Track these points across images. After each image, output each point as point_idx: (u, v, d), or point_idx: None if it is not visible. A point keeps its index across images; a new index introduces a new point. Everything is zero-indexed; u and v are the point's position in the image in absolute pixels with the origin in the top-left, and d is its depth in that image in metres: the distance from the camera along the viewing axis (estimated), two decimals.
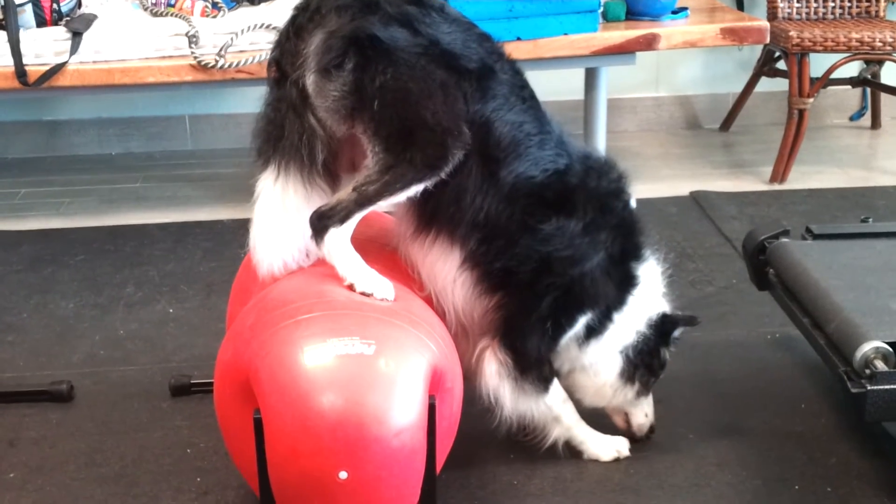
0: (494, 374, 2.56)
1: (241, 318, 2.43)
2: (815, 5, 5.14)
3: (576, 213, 2.52)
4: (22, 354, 3.34)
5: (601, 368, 2.66)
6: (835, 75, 4.90)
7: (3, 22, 4.03)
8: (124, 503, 2.58)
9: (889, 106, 5.68)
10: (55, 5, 4.15)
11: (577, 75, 4.72)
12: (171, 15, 4.26)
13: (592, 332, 2.61)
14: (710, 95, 5.69)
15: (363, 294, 2.37)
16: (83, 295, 3.76)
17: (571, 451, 2.70)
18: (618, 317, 2.61)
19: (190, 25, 4.11)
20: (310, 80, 2.38)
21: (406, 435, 2.18)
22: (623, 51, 4.22)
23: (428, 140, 2.36)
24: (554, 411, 2.64)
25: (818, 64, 4.86)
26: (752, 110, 5.59)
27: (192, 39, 4.06)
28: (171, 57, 4.11)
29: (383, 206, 2.43)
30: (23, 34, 4.02)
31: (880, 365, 2.42)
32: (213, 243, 4.18)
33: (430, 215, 2.49)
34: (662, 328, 2.67)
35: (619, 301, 2.61)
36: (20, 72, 3.97)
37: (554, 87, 4.96)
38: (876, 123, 5.65)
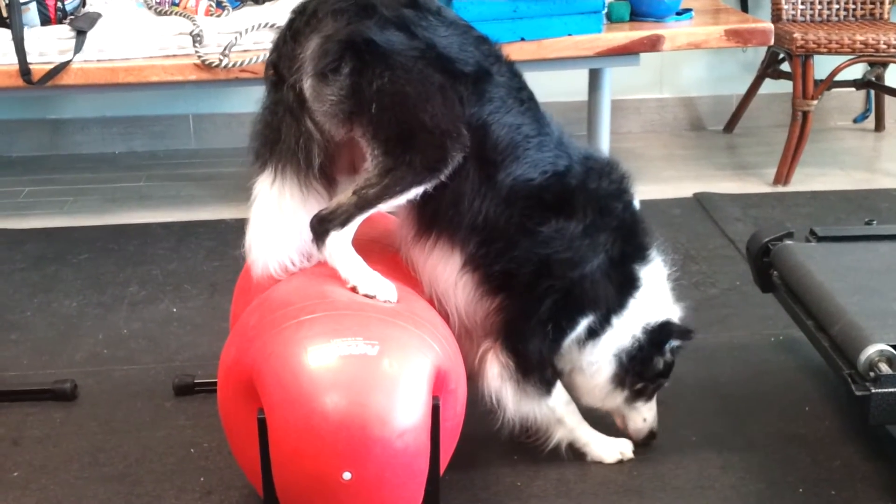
0: (497, 376, 2.56)
1: (244, 317, 2.43)
2: (819, 7, 5.13)
3: (575, 215, 2.51)
4: (25, 353, 3.34)
5: (595, 370, 2.64)
6: (839, 77, 4.89)
7: (8, 20, 4.03)
8: (128, 502, 2.58)
9: (893, 108, 5.68)
10: (59, 4, 4.16)
11: (580, 76, 4.72)
12: (176, 14, 4.26)
13: (592, 334, 2.60)
14: (713, 97, 5.69)
15: (366, 296, 2.37)
16: (87, 294, 3.76)
17: (575, 453, 2.70)
18: (616, 320, 2.60)
19: (194, 24, 4.11)
20: (307, 85, 2.39)
21: (409, 436, 2.18)
22: (627, 52, 4.22)
23: (427, 142, 2.36)
24: (557, 413, 2.64)
25: (822, 66, 4.85)
26: (756, 112, 5.58)
27: (196, 38, 4.06)
28: (175, 56, 4.11)
29: (384, 208, 2.44)
30: (27, 32, 4.02)
31: (884, 368, 2.41)
32: (217, 242, 4.19)
33: (430, 219, 2.49)
34: (657, 336, 2.64)
35: (619, 304, 2.59)
36: (24, 70, 3.97)
37: (558, 87, 4.98)
38: (880, 125, 5.65)
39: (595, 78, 4.52)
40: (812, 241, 3.17)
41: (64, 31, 4.07)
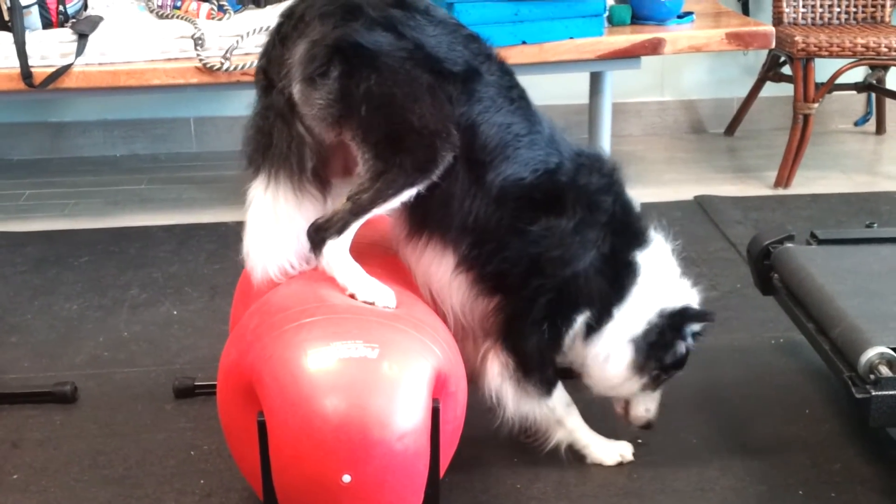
0: (497, 374, 2.56)
1: (244, 321, 2.43)
2: (820, 10, 5.13)
3: (566, 213, 2.51)
4: (26, 355, 3.34)
5: (605, 359, 2.61)
6: (840, 80, 4.89)
7: (10, 23, 4.03)
8: None
9: (894, 111, 5.67)
10: (61, 7, 4.16)
11: (582, 79, 4.72)
12: (177, 17, 4.26)
13: (593, 329, 2.59)
14: (715, 100, 5.68)
15: (365, 303, 2.37)
16: (87, 296, 3.77)
17: (575, 455, 2.70)
18: (618, 312, 2.58)
19: (196, 28, 4.11)
20: (296, 90, 2.39)
21: (409, 438, 2.18)
22: (628, 55, 4.22)
23: (417, 144, 2.36)
24: (556, 414, 2.64)
25: (823, 69, 4.85)
26: (757, 115, 5.58)
27: (198, 42, 4.06)
28: (176, 59, 4.11)
29: (379, 212, 2.43)
30: (29, 36, 4.02)
31: (885, 370, 2.42)
32: (217, 245, 4.19)
33: (421, 219, 2.49)
34: (675, 320, 2.61)
35: (618, 296, 2.58)
36: (26, 73, 3.97)
37: (559, 91, 4.98)
38: (881, 129, 5.65)
39: (596, 81, 4.52)
40: (813, 244, 3.17)
41: (66, 35, 4.07)
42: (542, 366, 2.58)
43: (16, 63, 3.98)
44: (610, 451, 2.71)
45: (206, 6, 4.32)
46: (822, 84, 4.83)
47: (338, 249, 2.40)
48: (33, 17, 4.11)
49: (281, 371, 2.19)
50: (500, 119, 2.46)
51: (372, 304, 2.36)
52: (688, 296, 2.67)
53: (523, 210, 2.49)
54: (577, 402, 2.71)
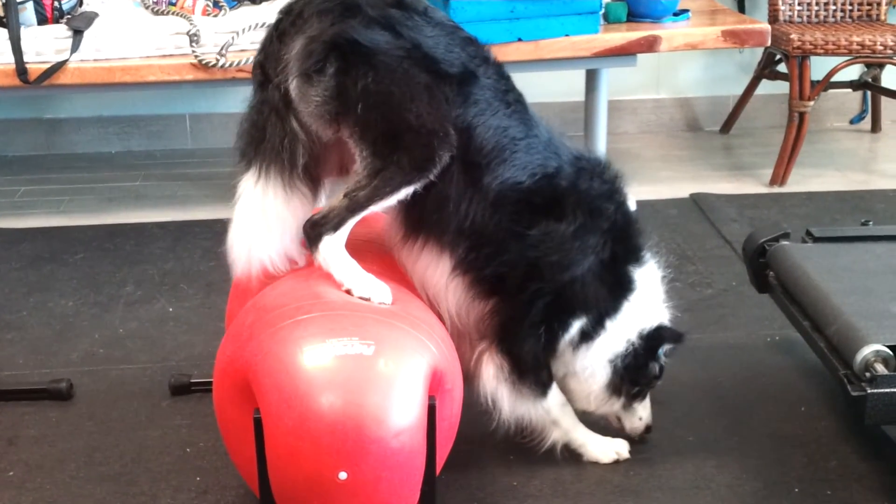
0: (492, 377, 2.56)
1: (240, 317, 2.42)
2: (816, 8, 5.14)
3: (565, 217, 2.50)
4: (21, 352, 3.33)
5: (590, 376, 2.63)
6: (835, 78, 4.89)
7: (4, 19, 4.03)
8: (123, 502, 2.58)
9: (889, 109, 5.68)
10: (56, 3, 4.15)
11: (577, 77, 4.72)
12: (173, 13, 4.26)
13: (585, 337, 2.59)
14: (710, 98, 5.69)
15: (361, 299, 2.37)
16: (83, 293, 3.76)
17: (571, 453, 2.70)
18: (610, 324, 2.59)
19: (191, 24, 4.11)
20: (292, 85, 2.39)
21: (406, 436, 2.17)
22: (624, 52, 4.22)
23: (414, 142, 2.36)
24: (552, 415, 2.64)
25: (819, 67, 4.86)
26: (753, 113, 5.59)
27: (193, 38, 4.06)
28: (171, 56, 4.10)
29: (376, 209, 2.43)
30: (24, 32, 4.02)
31: (880, 368, 2.42)
32: (213, 242, 4.17)
33: (417, 222, 2.49)
34: (651, 341, 2.63)
35: (612, 307, 2.58)
36: (21, 69, 3.96)
37: (555, 88, 4.99)
38: (876, 127, 5.65)
39: (592, 78, 4.52)
40: (808, 242, 3.17)
41: (61, 31, 4.06)
42: (537, 368, 2.58)
43: (11, 59, 3.97)
44: (606, 449, 2.71)
45: (201, 2, 4.31)
46: (818, 82, 4.83)
47: (334, 245, 2.40)
48: (28, 13, 4.11)
49: (277, 368, 2.19)
50: (497, 122, 2.45)
51: (368, 300, 2.36)
52: (662, 316, 2.68)
53: (522, 214, 2.48)
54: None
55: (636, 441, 2.76)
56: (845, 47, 4.69)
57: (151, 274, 3.92)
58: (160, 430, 2.88)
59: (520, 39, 4.05)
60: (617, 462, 2.70)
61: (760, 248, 3.10)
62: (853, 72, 5.36)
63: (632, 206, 2.66)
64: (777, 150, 4.88)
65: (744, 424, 2.88)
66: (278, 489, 2.24)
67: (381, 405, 2.16)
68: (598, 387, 2.64)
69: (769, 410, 2.95)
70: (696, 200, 4.60)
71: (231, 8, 4.38)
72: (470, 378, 2.59)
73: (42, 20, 4.14)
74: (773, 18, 5.07)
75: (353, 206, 2.38)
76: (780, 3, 5.08)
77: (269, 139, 2.43)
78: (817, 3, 5.13)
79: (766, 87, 5.41)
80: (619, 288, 2.59)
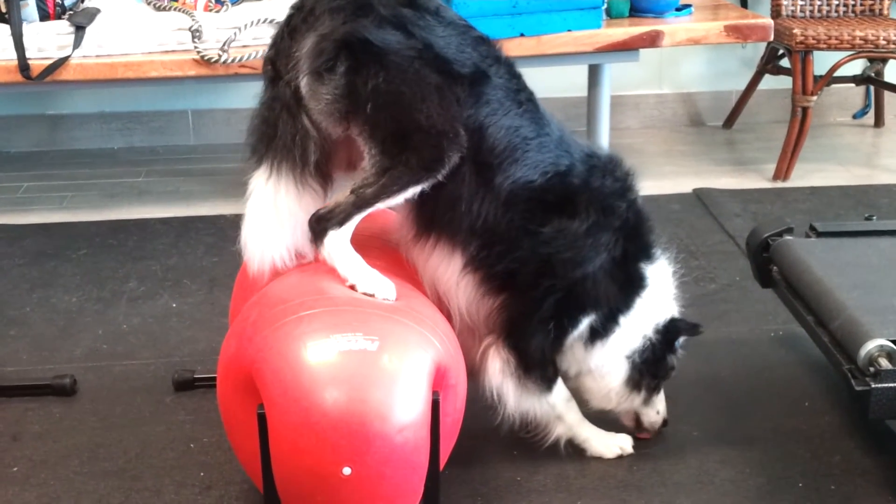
0: (498, 371, 2.56)
1: (244, 313, 2.42)
2: (819, 3, 5.13)
3: (578, 215, 2.51)
4: (25, 348, 3.34)
5: (607, 373, 2.64)
6: (838, 73, 4.89)
7: (7, 15, 4.02)
8: (127, 498, 2.58)
9: (892, 104, 5.67)
10: None
11: (580, 72, 4.71)
12: (175, 9, 4.25)
13: (598, 334, 2.59)
14: (713, 93, 5.68)
15: (365, 295, 2.37)
16: (86, 289, 3.76)
17: (574, 449, 2.70)
18: (624, 320, 2.59)
19: (193, 20, 4.10)
20: (303, 83, 2.38)
21: (409, 431, 2.18)
22: (627, 48, 4.21)
23: (423, 143, 2.36)
24: (557, 410, 2.64)
25: (822, 62, 4.85)
26: (756, 108, 5.58)
27: (196, 34, 4.05)
28: (174, 51, 4.10)
29: (381, 207, 2.43)
30: (26, 28, 4.01)
31: (884, 363, 2.42)
32: (216, 238, 4.18)
33: (429, 221, 2.48)
34: (668, 335, 2.65)
35: (625, 304, 2.59)
36: (23, 66, 3.96)
37: (557, 83, 4.98)
38: (879, 121, 5.65)
39: (594, 74, 4.52)
40: (812, 237, 3.17)
41: (63, 27, 4.06)
42: (543, 363, 2.58)
43: (13, 55, 3.96)
44: (610, 445, 2.71)
45: None
46: (821, 77, 4.83)
47: (339, 240, 2.40)
48: (30, 8, 4.10)
49: (281, 364, 2.19)
50: (508, 122, 2.45)
51: (372, 295, 2.36)
52: (673, 310, 2.68)
53: (534, 212, 2.48)
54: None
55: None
56: (848, 42, 4.68)
57: (154, 270, 3.92)
58: (164, 425, 2.88)
59: (522, 35, 4.05)
60: (620, 457, 2.70)
61: (764, 242, 3.09)
62: (856, 66, 5.35)
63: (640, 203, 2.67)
64: (780, 145, 4.88)
65: (747, 419, 2.88)
66: (282, 484, 2.24)
67: (385, 401, 2.16)
68: (618, 383, 2.65)
69: (773, 405, 2.95)
70: (700, 195, 4.60)
71: (233, 4, 4.37)
72: (475, 373, 2.59)
73: (44, 16, 4.14)
74: (775, 13, 5.06)
75: (360, 202, 2.38)
76: None
77: (280, 136, 2.42)
78: None
79: (768, 81, 5.41)
80: (631, 285, 2.59)
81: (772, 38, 4.47)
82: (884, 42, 4.67)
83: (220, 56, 4.02)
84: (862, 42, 4.68)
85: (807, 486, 2.59)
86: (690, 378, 3.03)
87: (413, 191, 2.39)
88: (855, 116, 5.76)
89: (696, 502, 2.54)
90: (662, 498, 2.56)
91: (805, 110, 4.80)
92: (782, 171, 4.82)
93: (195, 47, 4.04)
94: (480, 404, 2.61)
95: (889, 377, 2.39)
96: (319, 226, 2.40)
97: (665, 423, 2.76)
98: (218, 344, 2.47)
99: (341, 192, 2.44)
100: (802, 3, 5.11)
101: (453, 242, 2.49)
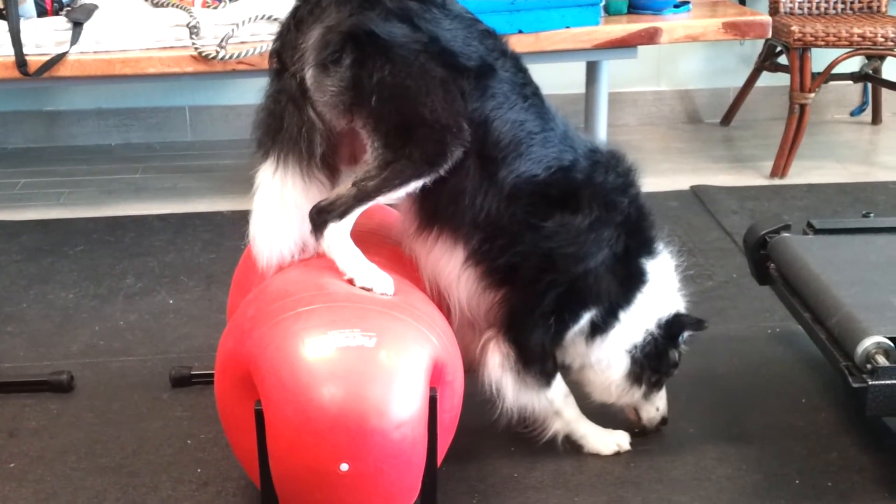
0: (497, 365, 2.56)
1: (241, 309, 2.42)
2: (816, 0, 5.13)
3: (581, 210, 2.51)
4: (22, 345, 3.33)
5: (608, 367, 2.65)
6: (836, 70, 4.89)
7: (4, 11, 4.02)
8: (124, 494, 2.58)
9: (890, 101, 5.68)
10: None
11: (578, 69, 4.72)
12: (172, 5, 4.25)
13: (598, 329, 2.60)
14: (711, 90, 5.68)
15: (363, 289, 2.37)
16: (83, 285, 3.76)
17: (572, 445, 2.70)
18: (624, 315, 2.60)
19: (191, 16, 4.10)
20: (308, 75, 2.38)
21: (407, 427, 2.17)
22: (624, 44, 4.22)
23: (427, 137, 2.36)
24: (555, 405, 2.64)
25: (819, 59, 4.85)
26: (753, 105, 5.58)
27: (193, 30, 4.05)
28: (171, 48, 4.10)
29: (383, 200, 2.43)
30: (23, 24, 4.01)
31: (881, 360, 2.42)
32: (213, 234, 4.18)
33: (431, 214, 2.48)
34: (671, 329, 2.65)
35: (626, 299, 2.59)
36: (21, 62, 3.96)
37: (555, 80, 4.94)
38: (877, 119, 5.65)
39: (592, 70, 4.52)
40: (809, 234, 3.17)
41: (60, 23, 4.06)
42: (543, 358, 2.58)
43: (10, 51, 3.97)
44: (607, 441, 2.71)
45: None
46: (819, 74, 4.82)
47: (339, 233, 2.40)
48: (28, 5, 4.10)
49: (278, 360, 2.19)
50: (514, 116, 2.45)
51: (370, 289, 2.36)
52: (678, 304, 2.69)
53: (537, 206, 2.48)
54: (573, 394, 2.71)
55: (635, 433, 2.76)
56: (846, 39, 4.68)
57: (152, 266, 3.92)
58: (161, 421, 2.88)
59: (520, 31, 4.05)
60: (618, 454, 2.71)
61: (761, 239, 3.09)
62: (854, 64, 5.35)
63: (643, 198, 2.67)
64: (778, 142, 4.88)
65: (744, 416, 2.88)
66: (279, 481, 2.24)
67: (383, 397, 2.16)
68: (618, 377, 2.66)
69: (770, 402, 2.95)
70: (697, 192, 4.60)
71: (230, 0, 4.37)
72: (472, 369, 2.59)
73: (42, 12, 4.14)
74: (773, 10, 5.06)
75: (361, 195, 2.38)
76: None
77: (286, 128, 2.42)
78: None
79: (766, 78, 5.41)
80: (632, 280, 2.60)
81: (770, 35, 4.47)
82: (882, 39, 4.67)
83: (217, 52, 4.02)
84: (860, 39, 4.68)
85: (803, 483, 2.59)
86: (687, 375, 3.02)
87: (415, 185, 2.39)
88: (852, 114, 5.76)
89: (693, 499, 2.54)
90: (659, 494, 2.56)
91: (803, 107, 4.80)
92: (780, 168, 4.82)
93: (193, 44, 4.04)
94: (478, 400, 2.61)
95: (886, 374, 2.39)
96: (320, 217, 2.40)
97: (664, 421, 2.76)
98: (215, 340, 2.47)
99: (343, 185, 2.44)
100: (800, 0, 5.11)
101: (456, 236, 2.49)
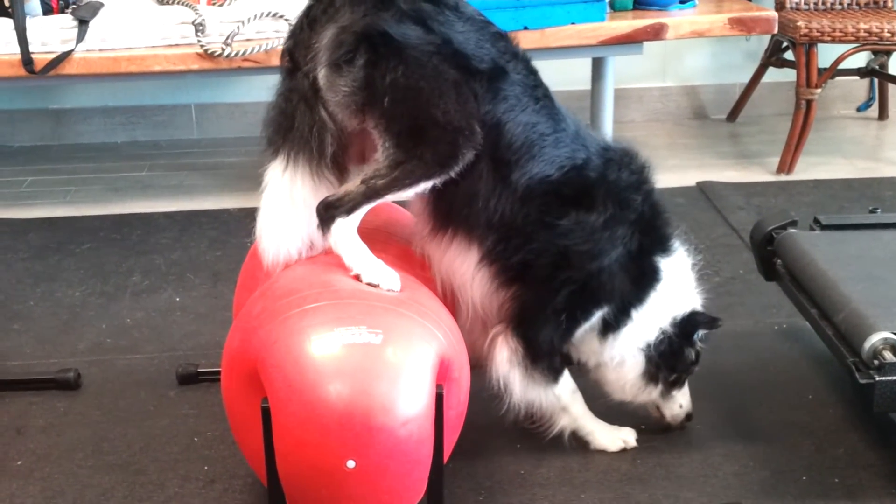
0: (505, 360, 2.56)
1: (248, 306, 2.42)
2: None
3: (595, 208, 2.51)
4: (28, 342, 3.34)
5: (621, 364, 2.65)
6: (842, 66, 4.88)
7: (10, 9, 4.03)
8: (131, 491, 2.58)
9: None
10: None
11: (584, 65, 4.71)
12: (178, 3, 4.25)
13: (610, 327, 2.60)
14: (717, 86, 5.67)
15: (369, 285, 2.37)
16: (89, 283, 3.77)
17: (578, 442, 2.70)
18: (637, 313, 2.60)
19: (196, 14, 4.10)
20: (321, 74, 2.38)
21: (413, 424, 2.17)
22: (630, 40, 4.21)
23: (438, 138, 2.36)
24: (562, 401, 2.64)
25: (826, 54, 4.84)
26: (760, 101, 5.57)
27: (199, 28, 4.05)
28: (177, 45, 4.10)
29: (391, 199, 2.44)
30: (29, 22, 4.02)
31: (889, 356, 2.41)
32: (219, 232, 4.19)
33: (446, 216, 2.49)
34: (686, 328, 2.65)
35: (638, 297, 2.59)
36: (27, 60, 3.96)
37: (561, 76, 4.92)
38: (883, 114, 5.64)
39: (598, 67, 4.51)
40: (816, 230, 3.16)
41: (66, 21, 4.06)
42: (551, 354, 2.58)
43: (16, 49, 3.97)
44: (613, 438, 2.71)
45: None
46: (825, 69, 4.82)
47: (346, 229, 2.40)
48: (34, 3, 4.11)
49: (285, 357, 2.19)
50: (526, 118, 2.45)
51: (376, 286, 2.36)
52: (694, 302, 2.68)
53: (552, 205, 2.48)
54: (581, 390, 2.71)
55: (642, 430, 2.75)
56: (852, 34, 4.67)
57: (158, 264, 3.92)
58: (168, 419, 2.88)
59: (525, 28, 4.05)
60: (624, 450, 2.71)
61: (768, 235, 3.09)
62: (860, 59, 5.34)
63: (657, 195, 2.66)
64: (784, 138, 4.87)
65: (751, 413, 2.88)
66: (286, 478, 2.24)
67: (389, 394, 2.16)
68: (633, 375, 2.66)
69: (777, 398, 2.94)
70: (703, 188, 4.59)
71: None
72: (479, 366, 2.59)
73: (47, 10, 4.14)
74: (779, 6, 5.05)
75: (370, 193, 2.38)
76: None
77: (297, 127, 2.42)
78: None
79: (772, 74, 5.40)
80: (645, 278, 2.60)
81: (776, 31, 4.46)
82: (888, 34, 4.65)
83: (223, 50, 4.02)
84: (866, 34, 4.67)
85: (811, 480, 2.59)
86: (694, 371, 3.03)
87: (424, 186, 2.40)
88: (859, 109, 5.75)
89: (699, 495, 2.54)
90: (666, 491, 2.56)
91: (809, 103, 4.79)
92: (786, 164, 4.82)
93: (198, 41, 4.04)
94: (484, 397, 2.61)
95: (893, 370, 2.38)
96: (328, 213, 2.40)
97: (689, 417, 2.76)
98: (221, 338, 2.47)
99: (351, 181, 2.44)
100: None
101: (470, 237, 2.49)
